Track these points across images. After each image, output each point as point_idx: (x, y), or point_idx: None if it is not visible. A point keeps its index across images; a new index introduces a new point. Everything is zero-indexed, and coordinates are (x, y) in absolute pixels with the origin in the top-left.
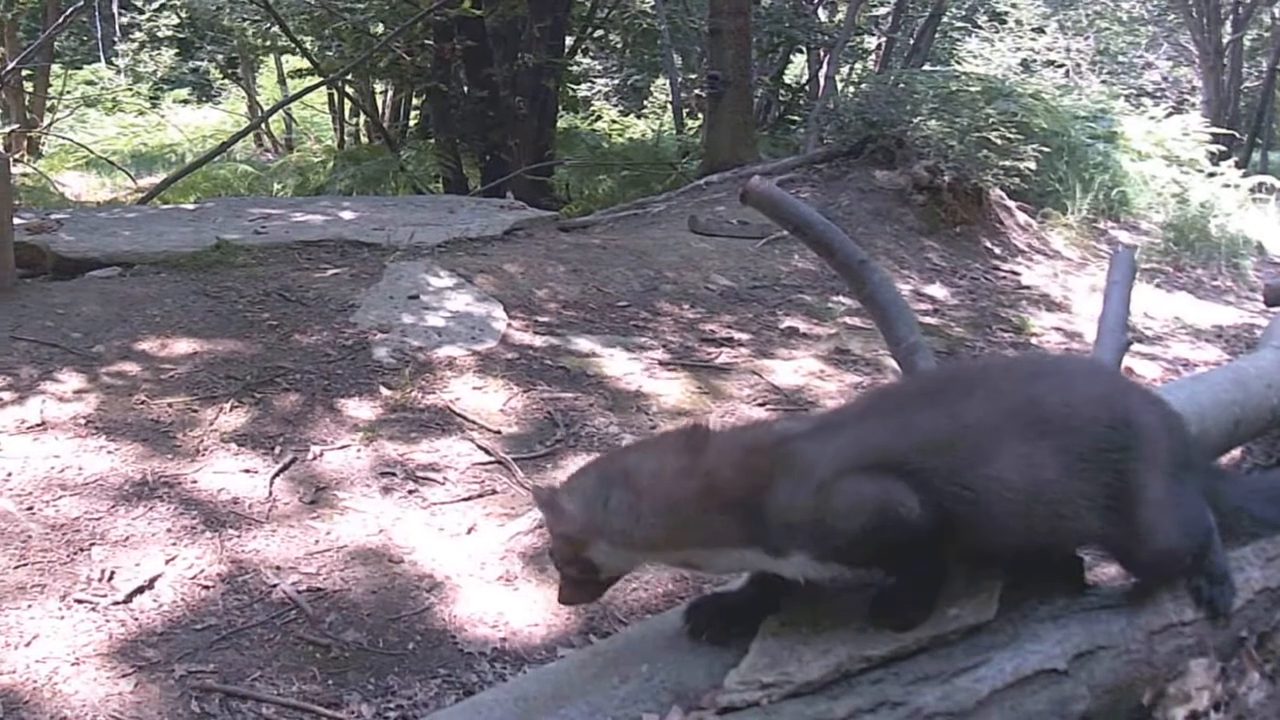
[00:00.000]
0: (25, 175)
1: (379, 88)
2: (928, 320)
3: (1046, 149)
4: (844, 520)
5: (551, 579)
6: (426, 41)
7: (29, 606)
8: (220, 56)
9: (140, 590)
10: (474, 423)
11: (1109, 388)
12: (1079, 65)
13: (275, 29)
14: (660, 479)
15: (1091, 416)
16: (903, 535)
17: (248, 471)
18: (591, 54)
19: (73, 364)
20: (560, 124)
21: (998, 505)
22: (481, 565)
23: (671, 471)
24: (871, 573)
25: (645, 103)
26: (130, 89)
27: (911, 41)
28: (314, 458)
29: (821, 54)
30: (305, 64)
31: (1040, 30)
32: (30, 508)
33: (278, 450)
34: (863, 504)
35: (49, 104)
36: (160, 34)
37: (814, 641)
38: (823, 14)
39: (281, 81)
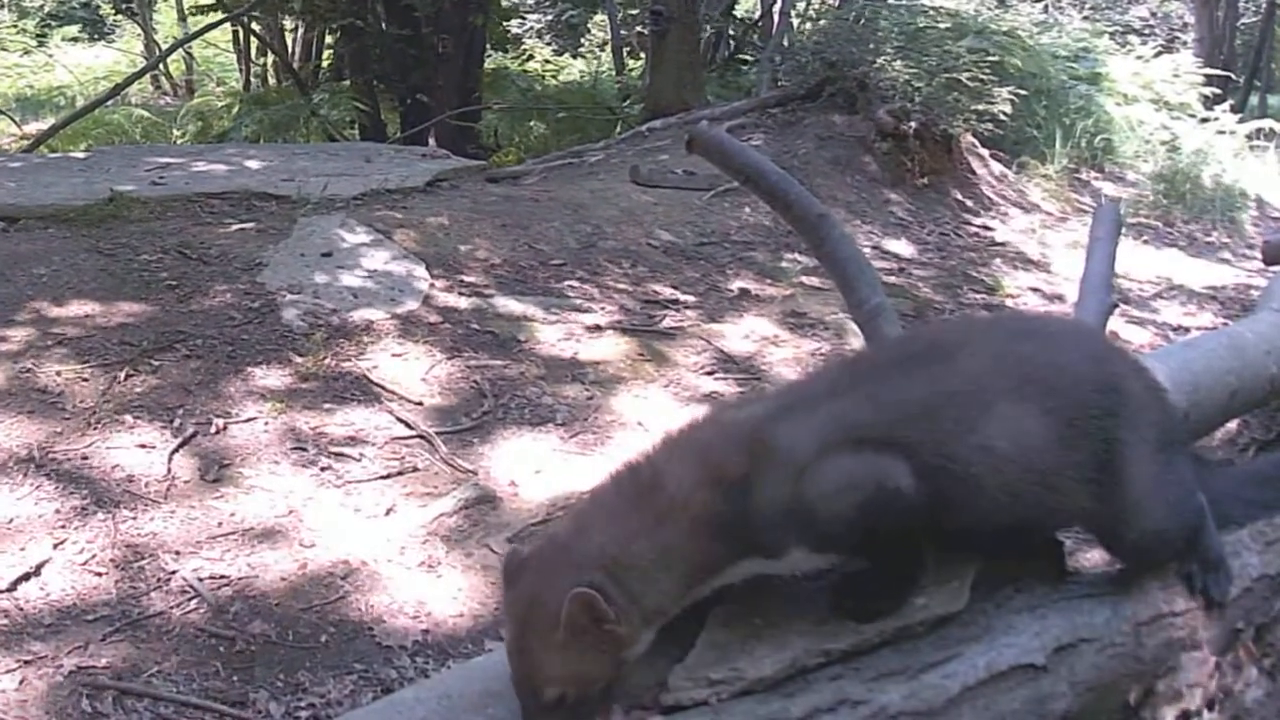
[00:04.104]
0: None
1: (288, 24)
2: (892, 280)
3: (1023, 92)
4: (835, 502)
5: (479, 564)
6: None
7: None
8: None
9: (25, 577)
10: (393, 393)
11: (1098, 350)
12: None
13: None
14: (643, 538)
15: (1080, 379)
16: (900, 513)
17: (144, 446)
18: None
19: None
20: (488, 64)
21: (986, 477)
22: (401, 550)
23: (647, 525)
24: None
25: (582, 41)
26: (14, 26)
27: None
28: (217, 431)
29: None
30: None
31: None
32: None
33: (177, 423)
34: (853, 482)
35: None
36: None
37: (767, 634)
38: None
39: (181, 18)
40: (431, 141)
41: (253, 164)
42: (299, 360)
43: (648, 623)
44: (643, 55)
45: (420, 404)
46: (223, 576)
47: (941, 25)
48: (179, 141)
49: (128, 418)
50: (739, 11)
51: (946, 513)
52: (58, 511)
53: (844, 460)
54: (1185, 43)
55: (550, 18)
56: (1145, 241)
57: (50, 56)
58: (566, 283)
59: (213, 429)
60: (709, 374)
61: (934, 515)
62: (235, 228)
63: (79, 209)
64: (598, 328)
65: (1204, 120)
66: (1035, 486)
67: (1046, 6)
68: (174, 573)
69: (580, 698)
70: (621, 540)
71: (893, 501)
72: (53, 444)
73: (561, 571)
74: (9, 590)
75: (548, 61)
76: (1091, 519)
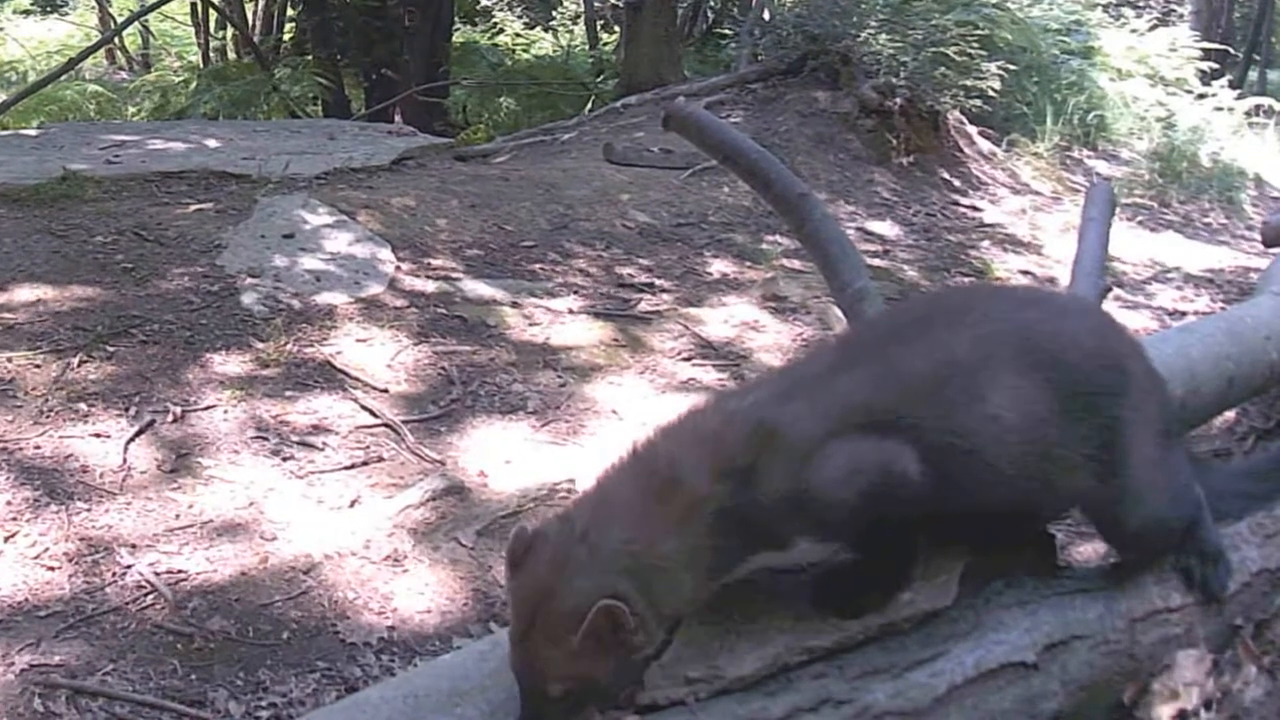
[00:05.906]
0: None
1: None
2: (876, 262)
3: (1013, 66)
4: (841, 489)
5: (447, 558)
6: None
7: None
8: None
9: None
10: (358, 380)
11: (1103, 327)
12: None
13: None
14: (669, 539)
15: (1086, 353)
16: (906, 499)
17: (99, 435)
18: None
19: None
20: (456, 38)
21: (991, 448)
22: (366, 543)
23: (671, 524)
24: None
25: (554, 14)
26: None
27: None
28: (174, 420)
29: None
30: None
31: None
32: None
33: (133, 411)
34: (858, 468)
35: None
36: None
37: (747, 631)
38: None
39: None
40: (397, 119)
41: (212, 142)
42: (260, 346)
43: (663, 625)
44: (617, 29)
45: (386, 391)
46: (181, 571)
47: None
48: (135, 118)
49: (82, 406)
50: None
51: (950, 492)
52: (9, 503)
53: (848, 446)
54: (1181, 16)
55: None
56: (1140, 222)
57: (1, 30)
58: (538, 265)
59: (170, 417)
60: (687, 360)
61: (937, 497)
62: (193, 208)
63: (30, 188)
64: (571, 312)
65: (1201, 96)
66: (1039, 459)
67: None
68: (130, 567)
69: (584, 694)
70: (646, 541)
71: (899, 487)
72: (3, 433)
73: (583, 571)
74: None
75: (518, 35)
76: (1092, 502)
